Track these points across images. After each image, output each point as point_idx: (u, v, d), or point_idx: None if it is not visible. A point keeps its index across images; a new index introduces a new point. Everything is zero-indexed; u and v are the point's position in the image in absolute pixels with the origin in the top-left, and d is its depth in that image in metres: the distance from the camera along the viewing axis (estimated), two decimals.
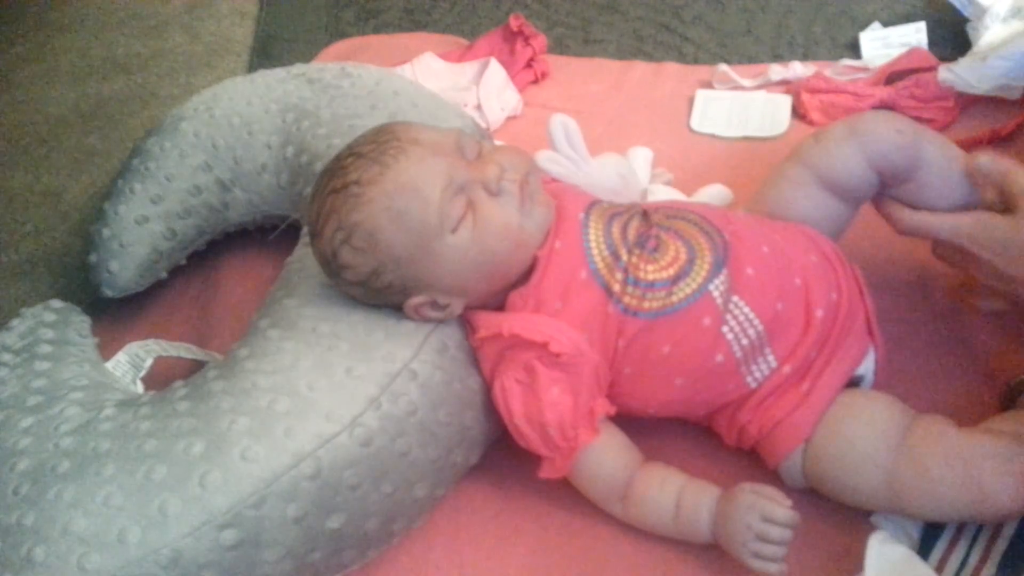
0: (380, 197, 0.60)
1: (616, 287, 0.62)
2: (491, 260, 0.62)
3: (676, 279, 0.62)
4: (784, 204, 0.69)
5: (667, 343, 0.62)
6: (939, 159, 0.64)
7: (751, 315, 0.61)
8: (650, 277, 0.62)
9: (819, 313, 0.63)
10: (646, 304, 0.62)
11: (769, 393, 0.63)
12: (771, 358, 0.62)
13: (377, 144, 0.62)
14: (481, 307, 0.66)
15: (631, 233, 0.64)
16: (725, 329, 0.61)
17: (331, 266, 0.64)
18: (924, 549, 0.60)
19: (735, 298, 0.62)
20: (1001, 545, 0.59)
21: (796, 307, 0.63)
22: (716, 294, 0.62)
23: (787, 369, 0.62)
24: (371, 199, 0.60)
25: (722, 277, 0.62)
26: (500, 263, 0.63)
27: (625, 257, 0.63)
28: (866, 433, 0.59)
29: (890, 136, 0.64)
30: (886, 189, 0.67)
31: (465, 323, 0.67)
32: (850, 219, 0.71)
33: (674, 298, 0.62)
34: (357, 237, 0.61)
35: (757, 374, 0.63)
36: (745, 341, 0.62)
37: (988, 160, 0.63)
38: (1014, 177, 0.62)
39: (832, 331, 0.63)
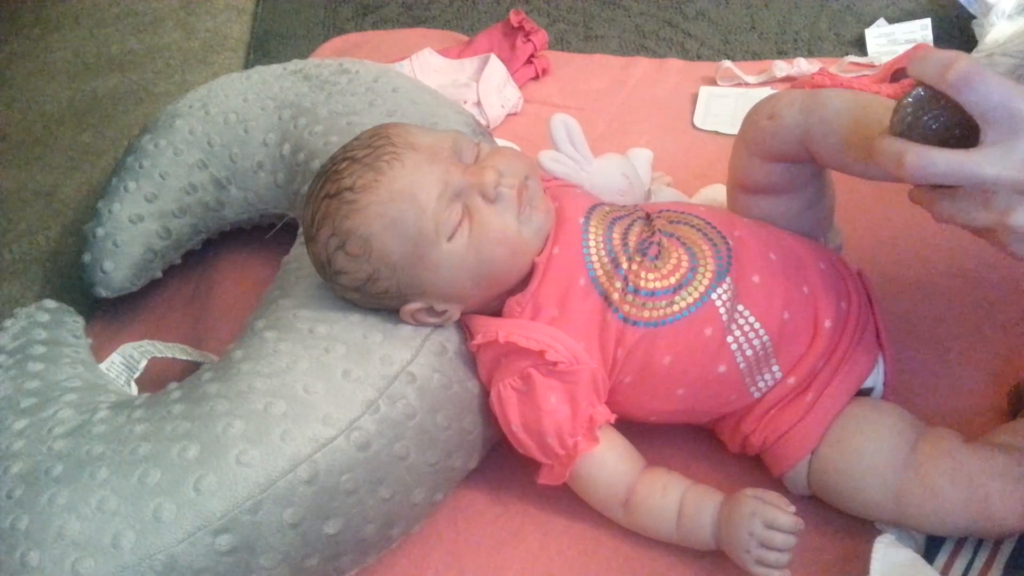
0: (374, 204, 0.59)
1: (615, 296, 0.61)
2: (488, 267, 0.61)
3: (677, 288, 0.61)
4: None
5: (668, 353, 0.61)
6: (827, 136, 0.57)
7: (756, 325, 0.60)
8: (651, 286, 0.61)
9: (827, 323, 0.61)
10: (646, 313, 0.61)
11: (773, 404, 0.62)
12: (776, 368, 0.61)
13: (372, 148, 0.60)
14: (479, 311, 0.65)
15: (632, 239, 0.63)
16: (730, 339, 0.60)
17: (326, 270, 0.63)
18: (930, 552, 0.60)
19: (740, 307, 0.60)
20: (1007, 548, 0.59)
21: (803, 317, 0.61)
22: (719, 303, 0.60)
23: (792, 380, 0.61)
24: (365, 206, 0.59)
25: (725, 286, 0.61)
26: (497, 270, 0.62)
27: (625, 265, 0.61)
28: (873, 447, 0.59)
29: (763, 126, 0.60)
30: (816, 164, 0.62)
31: (463, 327, 0.66)
32: (809, 209, 0.67)
33: (675, 307, 0.60)
34: (352, 244, 0.60)
35: (761, 384, 0.62)
36: (750, 352, 0.60)
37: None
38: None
39: (840, 341, 0.62)
